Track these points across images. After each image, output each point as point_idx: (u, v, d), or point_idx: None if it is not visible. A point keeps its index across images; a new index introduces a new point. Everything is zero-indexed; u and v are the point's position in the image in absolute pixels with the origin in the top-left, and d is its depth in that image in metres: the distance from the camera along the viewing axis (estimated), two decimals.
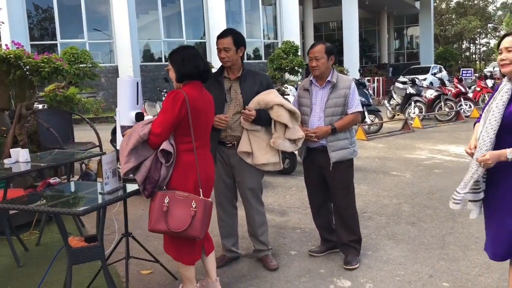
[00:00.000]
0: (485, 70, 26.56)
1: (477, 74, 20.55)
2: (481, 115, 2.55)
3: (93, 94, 15.17)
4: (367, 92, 11.09)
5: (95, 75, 10.30)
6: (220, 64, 3.44)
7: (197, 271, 3.12)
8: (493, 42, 45.15)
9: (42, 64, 5.76)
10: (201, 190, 2.77)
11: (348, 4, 22.69)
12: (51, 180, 4.58)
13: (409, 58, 34.51)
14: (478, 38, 48.14)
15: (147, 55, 19.06)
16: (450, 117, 12.33)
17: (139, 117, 3.12)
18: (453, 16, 43.87)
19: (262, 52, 20.69)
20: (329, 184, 3.61)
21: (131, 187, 3.06)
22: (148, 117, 3.30)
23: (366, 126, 10.41)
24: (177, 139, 2.79)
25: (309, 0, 26.30)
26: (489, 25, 45.54)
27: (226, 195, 3.58)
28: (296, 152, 4.30)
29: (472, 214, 2.61)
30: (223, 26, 15.22)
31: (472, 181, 2.44)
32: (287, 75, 17.43)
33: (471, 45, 49.87)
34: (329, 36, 34.21)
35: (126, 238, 3.36)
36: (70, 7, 17.07)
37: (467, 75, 19.73)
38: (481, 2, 44.54)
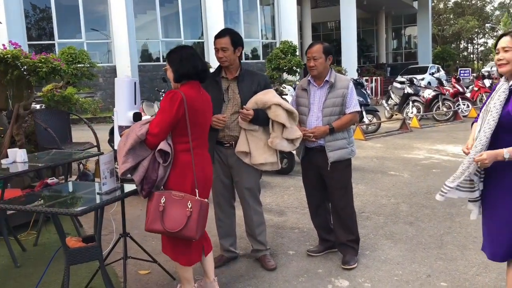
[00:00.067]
0: (482, 70, 26.57)
1: (475, 74, 20.59)
2: (478, 114, 2.56)
3: (91, 94, 15.13)
4: (365, 92, 11.10)
5: (93, 75, 10.30)
6: (218, 64, 3.44)
7: (195, 271, 3.12)
8: (490, 42, 45.27)
9: (40, 64, 5.75)
10: (197, 191, 2.76)
11: (346, 4, 22.73)
12: (49, 180, 4.57)
13: (407, 58, 34.56)
14: (476, 38, 48.25)
15: (145, 55, 19.04)
16: (448, 117, 12.34)
17: (137, 117, 3.12)
18: (451, 16, 43.94)
19: (260, 52, 20.69)
20: (327, 184, 3.61)
21: (128, 187, 3.05)
22: (146, 117, 3.29)
23: (364, 126, 10.42)
24: (174, 139, 2.78)
25: (307, 0, 26.31)
26: (486, 25, 45.61)
27: (224, 195, 3.57)
28: (294, 152, 4.30)
29: (473, 215, 2.62)
30: (221, 26, 15.21)
31: (462, 177, 2.44)
32: (285, 75, 17.46)
33: (469, 45, 49.98)
34: (327, 36, 34.23)
35: (124, 238, 3.35)
36: (68, 7, 17.03)
37: (465, 75, 19.76)
38: (478, 2, 44.64)
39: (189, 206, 2.68)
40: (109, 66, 17.06)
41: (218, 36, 3.35)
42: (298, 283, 3.34)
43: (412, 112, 12.07)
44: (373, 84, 20.59)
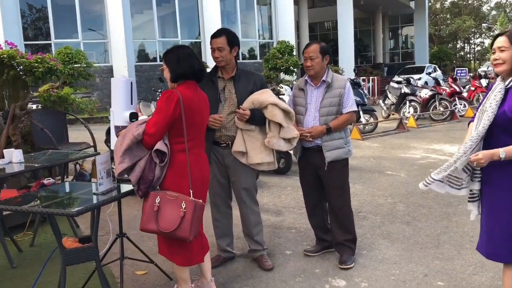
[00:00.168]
0: (479, 69, 26.69)
1: (471, 74, 20.67)
2: (475, 114, 2.56)
3: (88, 94, 15.11)
4: (362, 92, 11.11)
5: (89, 75, 10.24)
6: (215, 63, 3.43)
7: (192, 271, 3.11)
8: (487, 42, 45.33)
9: (36, 64, 5.73)
10: (191, 191, 2.75)
11: (343, 4, 22.77)
12: (45, 181, 4.56)
13: (404, 58, 34.63)
14: (472, 38, 48.34)
15: (142, 55, 19.00)
16: (444, 117, 12.38)
17: (134, 117, 3.11)
18: (448, 16, 44.01)
19: (257, 52, 20.69)
20: (324, 183, 3.61)
21: (125, 188, 3.05)
22: (142, 117, 3.29)
23: (361, 126, 10.43)
24: (171, 139, 2.78)
25: (304, 0, 26.34)
26: (483, 24, 45.74)
27: (220, 195, 3.57)
28: (291, 152, 4.30)
29: (472, 215, 2.62)
30: (218, 26, 15.20)
31: (448, 170, 2.44)
32: (282, 75, 17.44)
33: (466, 44, 50.07)
34: (324, 35, 34.25)
35: (120, 238, 3.35)
36: (64, 6, 16.98)
37: (462, 74, 19.85)
38: (475, 2, 44.70)
39: (183, 207, 2.67)
40: (105, 66, 17.03)
41: (214, 36, 3.35)
42: (295, 283, 3.34)
43: (409, 112, 12.09)
44: (370, 84, 20.64)
